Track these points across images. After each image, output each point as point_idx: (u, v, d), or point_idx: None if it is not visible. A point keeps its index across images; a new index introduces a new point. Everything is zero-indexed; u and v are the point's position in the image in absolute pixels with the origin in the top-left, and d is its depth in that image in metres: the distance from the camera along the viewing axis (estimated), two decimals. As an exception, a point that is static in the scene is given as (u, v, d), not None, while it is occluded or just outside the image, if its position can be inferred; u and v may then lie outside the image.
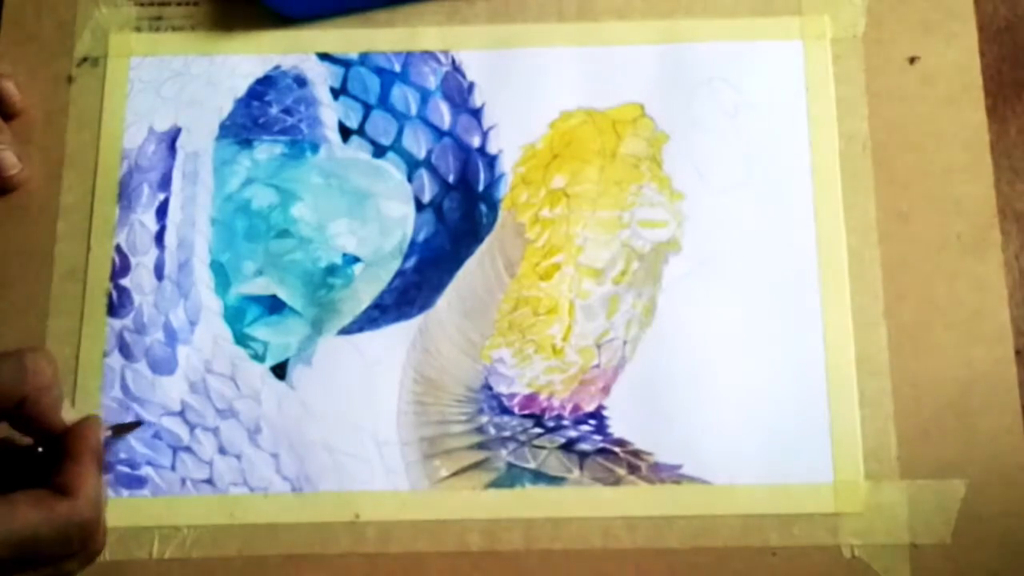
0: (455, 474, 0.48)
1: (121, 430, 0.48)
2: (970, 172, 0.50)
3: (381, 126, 0.52)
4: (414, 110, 0.52)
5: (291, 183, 0.51)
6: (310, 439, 0.48)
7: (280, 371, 0.49)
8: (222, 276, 0.50)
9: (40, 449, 0.43)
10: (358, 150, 0.52)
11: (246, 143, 0.52)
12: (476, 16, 0.53)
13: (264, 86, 0.52)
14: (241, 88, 0.52)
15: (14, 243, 0.51)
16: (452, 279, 0.50)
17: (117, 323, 0.50)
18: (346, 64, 0.53)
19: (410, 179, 0.51)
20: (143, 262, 0.50)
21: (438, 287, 0.50)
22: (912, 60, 0.51)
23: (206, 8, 0.53)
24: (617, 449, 0.48)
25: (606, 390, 0.48)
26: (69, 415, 0.42)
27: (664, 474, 0.47)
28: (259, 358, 0.49)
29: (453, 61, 0.52)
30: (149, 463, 0.48)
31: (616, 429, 0.48)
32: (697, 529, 0.47)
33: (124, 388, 0.49)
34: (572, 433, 0.48)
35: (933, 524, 0.46)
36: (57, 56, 0.53)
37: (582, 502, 0.47)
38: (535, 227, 0.50)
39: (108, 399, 0.49)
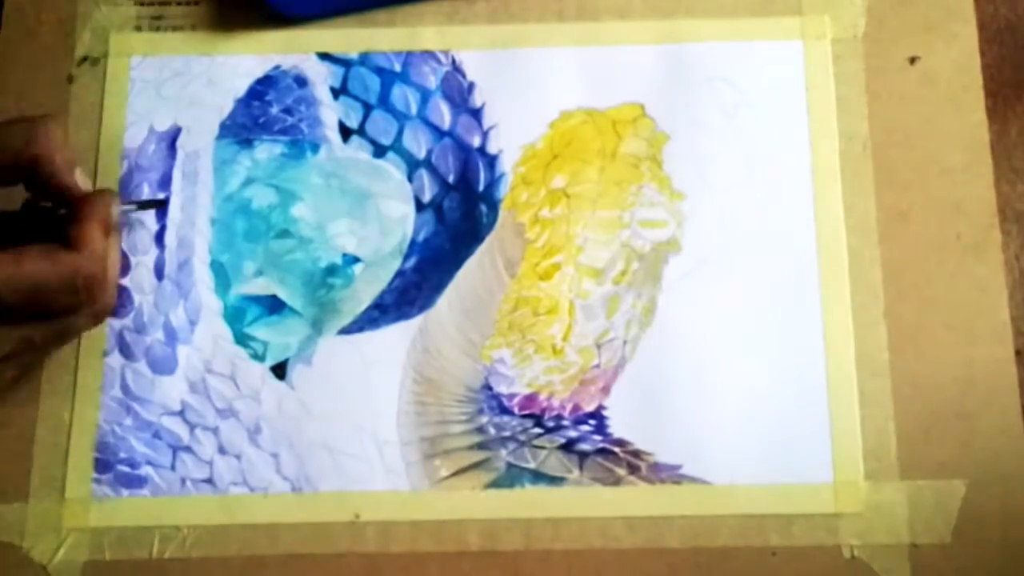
0: (455, 474, 0.48)
1: (146, 205, 0.50)
2: (970, 172, 0.50)
3: (381, 126, 0.52)
4: (414, 110, 0.52)
5: (291, 183, 0.51)
6: (310, 439, 0.48)
7: (280, 371, 0.49)
8: (222, 276, 0.50)
9: (62, 211, 0.45)
10: (358, 150, 0.52)
11: (246, 143, 0.52)
12: (476, 16, 0.53)
13: (264, 86, 0.52)
14: (241, 88, 0.52)
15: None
16: (452, 279, 0.50)
17: (117, 323, 0.50)
18: (346, 64, 0.53)
19: (410, 179, 0.51)
20: (143, 262, 0.50)
21: (438, 287, 0.50)
22: (912, 60, 0.51)
23: (206, 8, 0.53)
24: (617, 449, 0.48)
25: (606, 390, 0.48)
26: (85, 183, 0.45)
27: (664, 474, 0.47)
28: (259, 358, 0.49)
29: (453, 61, 0.52)
30: (149, 463, 0.48)
31: (616, 429, 0.48)
32: (697, 529, 0.47)
33: (124, 388, 0.49)
34: (572, 433, 0.48)
35: (933, 524, 0.46)
36: (57, 56, 0.53)
37: (582, 502, 0.47)
38: (535, 227, 0.50)
39: (108, 399, 0.49)
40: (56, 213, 0.45)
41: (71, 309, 0.43)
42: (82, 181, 0.45)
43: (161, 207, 0.50)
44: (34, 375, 0.49)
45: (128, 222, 0.50)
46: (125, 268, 0.50)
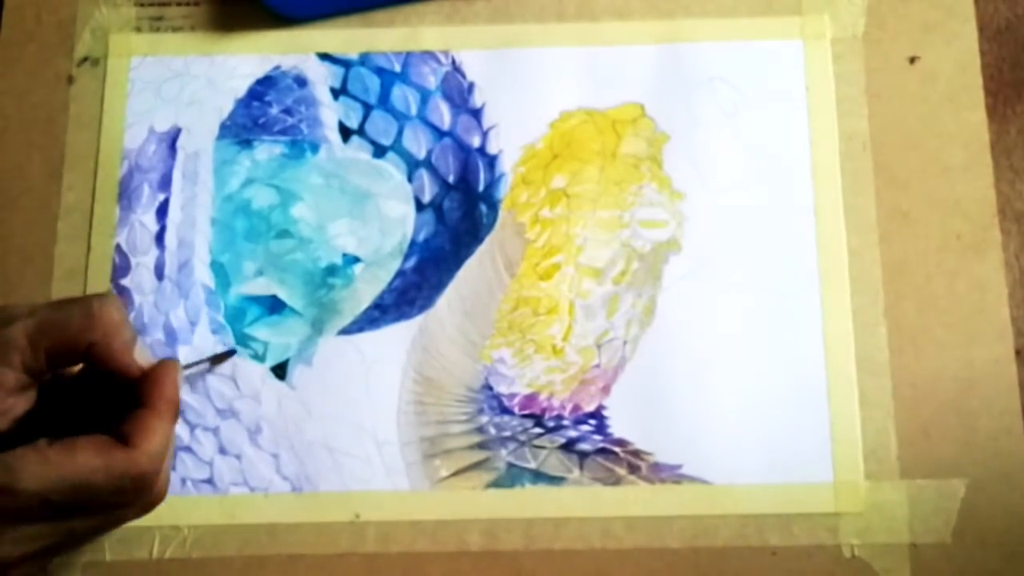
0: (455, 474, 0.48)
1: (217, 360, 0.49)
2: (970, 172, 0.50)
3: (381, 126, 0.52)
4: (414, 110, 0.52)
5: (291, 183, 0.51)
6: (310, 439, 0.48)
7: (280, 371, 0.49)
8: (222, 276, 0.50)
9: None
10: (358, 150, 0.52)
11: (246, 143, 0.52)
12: (476, 16, 0.53)
13: (264, 86, 0.52)
14: (241, 88, 0.52)
15: (14, 243, 0.51)
16: (452, 279, 0.50)
17: (117, 323, 0.50)
18: (346, 64, 0.53)
19: (410, 179, 0.51)
20: (143, 262, 0.50)
21: (438, 287, 0.50)
22: (912, 60, 0.51)
23: (206, 8, 0.53)
24: (617, 449, 0.48)
25: (606, 390, 0.48)
26: (144, 358, 0.42)
27: (664, 474, 0.47)
28: (259, 358, 0.49)
29: (453, 61, 0.52)
30: (149, 463, 0.48)
31: (616, 429, 0.48)
32: (697, 529, 0.47)
33: (124, 388, 0.49)
34: (572, 433, 0.48)
35: (933, 524, 0.46)
36: (57, 56, 0.53)
37: (582, 502, 0.47)
38: (535, 227, 0.50)
39: (108, 399, 0.49)
40: (111, 384, 0.42)
41: (116, 506, 0.40)
42: (142, 358, 0.41)
43: (232, 356, 0.49)
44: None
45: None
46: (124, 272, 0.50)
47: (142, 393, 0.41)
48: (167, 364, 0.42)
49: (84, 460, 0.38)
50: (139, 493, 0.40)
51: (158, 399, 0.41)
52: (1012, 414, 0.47)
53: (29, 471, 0.37)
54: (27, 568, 0.40)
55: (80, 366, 0.43)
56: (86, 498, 0.39)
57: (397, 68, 0.52)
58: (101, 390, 0.42)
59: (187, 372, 0.47)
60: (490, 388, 0.49)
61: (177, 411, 0.42)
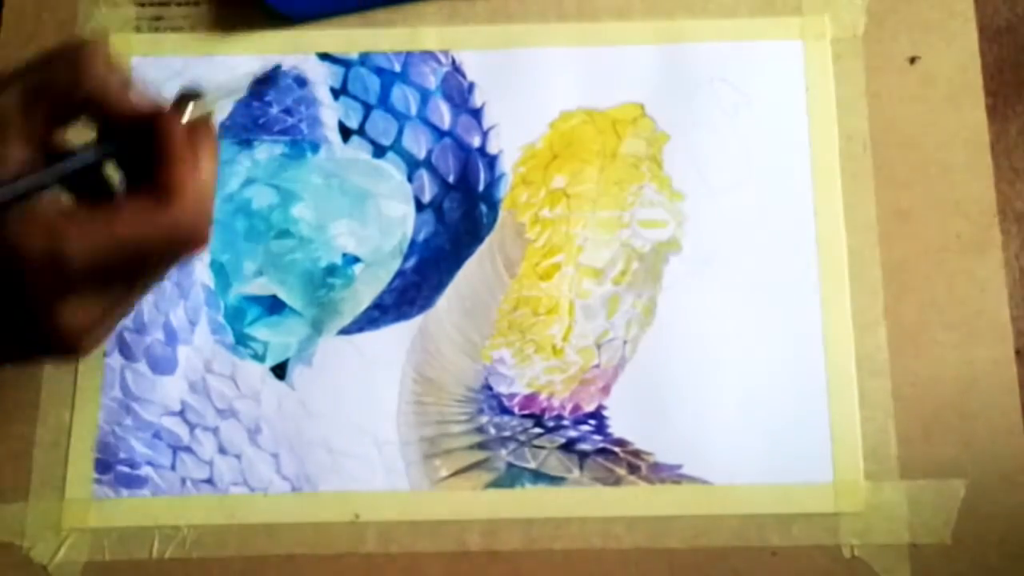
0: (455, 474, 0.48)
1: (261, 83, 0.43)
2: (970, 172, 0.50)
3: (381, 126, 0.52)
4: (414, 110, 0.52)
5: (291, 183, 0.51)
6: (310, 439, 0.48)
7: (280, 371, 0.49)
8: (222, 276, 0.50)
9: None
10: (358, 150, 0.52)
11: (246, 143, 0.52)
12: (476, 16, 0.53)
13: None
14: (241, 88, 0.52)
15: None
16: (452, 279, 0.50)
17: (117, 323, 0.50)
18: (346, 64, 0.53)
19: (410, 179, 0.51)
20: (143, 262, 0.50)
21: (438, 287, 0.50)
22: (912, 60, 0.51)
23: (206, 8, 0.53)
24: (617, 449, 0.48)
25: (606, 390, 0.48)
26: (145, 99, 0.38)
27: (664, 474, 0.47)
28: (259, 358, 0.49)
29: (453, 61, 0.52)
30: (149, 463, 0.48)
31: (616, 429, 0.48)
32: (697, 529, 0.47)
33: (124, 388, 0.49)
34: (572, 433, 0.48)
35: (933, 524, 0.46)
36: (57, 56, 0.53)
37: (582, 502, 0.47)
38: (535, 227, 0.50)
39: (108, 399, 0.49)
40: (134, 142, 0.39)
41: (171, 261, 0.38)
42: (145, 101, 0.38)
43: (267, 82, 0.43)
44: (35, 376, 0.49)
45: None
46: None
47: (157, 148, 0.38)
48: (183, 94, 0.39)
49: (131, 224, 0.36)
50: (192, 244, 0.38)
51: (172, 149, 0.38)
52: (1012, 414, 0.47)
53: (80, 242, 0.36)
54: (97, 332, 0.39)
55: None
56: (140, 261, 0.37)
57: (397, 68, 0.52)
58: (123, 146, 0.39)
59: (222, 92, 0.41)
60: (490, 388, 0.49)
61: (197, 147, 0.38)
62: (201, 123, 0.39)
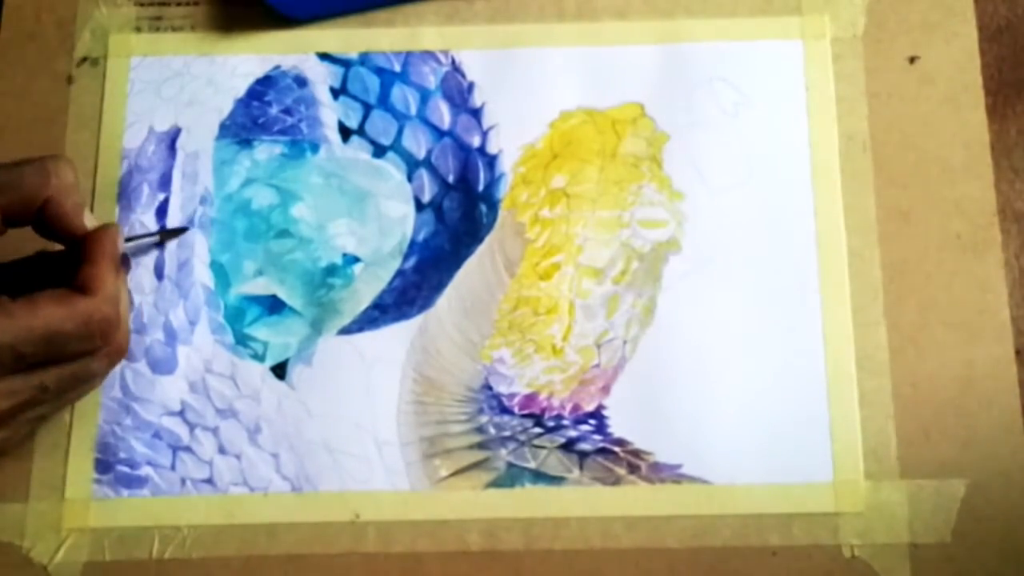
0: (455, 474, 0.48)
1: (168, 235, 0.50)
2: (970, 172, 0.50)
3: (381, 126, 0.52)
4: (414, 110, 0.52)
5: (291, 183, 0.51)
6: (310, 439, 0.48)
7: (280, 371, 0.49)
8: (222, 276, 0.50)
9: (61, 250, 0.45)
10: (358, 150, 0.52)
11: (246, 143, 0.52)
12: (476, 16, 0.53)
13: (264, 86, 0.52)
14: (241, 88, 0.52)
15: (14, 243, 0.50)
16: (452, 279, 0.50)
17: (117, 323, 0.50)
18: (346, 64, 0.53)
19: (410, 179, 0.51)
20: (143, 262, 0.50)
21: (438, 287, 0.50)
22: (912, 60, 0.51)
23: (206, 8, 0.53)
24: (617, 449, 0.48)
25: (606, 390, 0.48)
26: (91, 222, 0.45)
27: (664, 474, 0.47)
28: (259, 358, 0.49)
29: (453, 61, 0.52)
30: (149, 463, 0.48)
31: (616, 429, 0.48)
32: (697, 529, 0.47)
33: (124, 388, 0.49)
34: (572, 433, 0.48)
35: (933, 524, 0.46)
36: (57, 56, 0.53)
37: (582, 502, 0.47)
38: (535, 227, 0.50)
39: (108, 399, 0.49)
40: (60, 255, 0.45)
41: (87, 353, 0.43)
42: (90, 222, 0.45)
43: (184, 233, 0.50)
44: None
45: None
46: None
47: (86, 251, 0.43)
48: (109, 225, 0.45)
49: (48, 310, 0.41)
50: (105, 337, 0.42)
51: (103, 254, 0.43)
52: (1012, 414, 0.47)
53: None
54: (4, 432, 0.43)
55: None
56: (55, 347, 0.41)
57: (397, 68, 0.52)
58: (49, 265, 0.45)
59: (137, 242, 0.49)
60: (490, 388, 0.49)
61: (119, 266, 0.44)
62: (119, 251, 0.45)
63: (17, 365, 0.41)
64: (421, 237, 0.50)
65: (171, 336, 0.50)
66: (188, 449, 0.48)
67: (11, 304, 0.41)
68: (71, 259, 0.44)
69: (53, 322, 0.41)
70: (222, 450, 0.48)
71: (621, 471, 0.48)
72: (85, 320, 0.41)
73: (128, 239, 0.48)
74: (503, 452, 0.48)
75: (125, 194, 0.51)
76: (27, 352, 0.41)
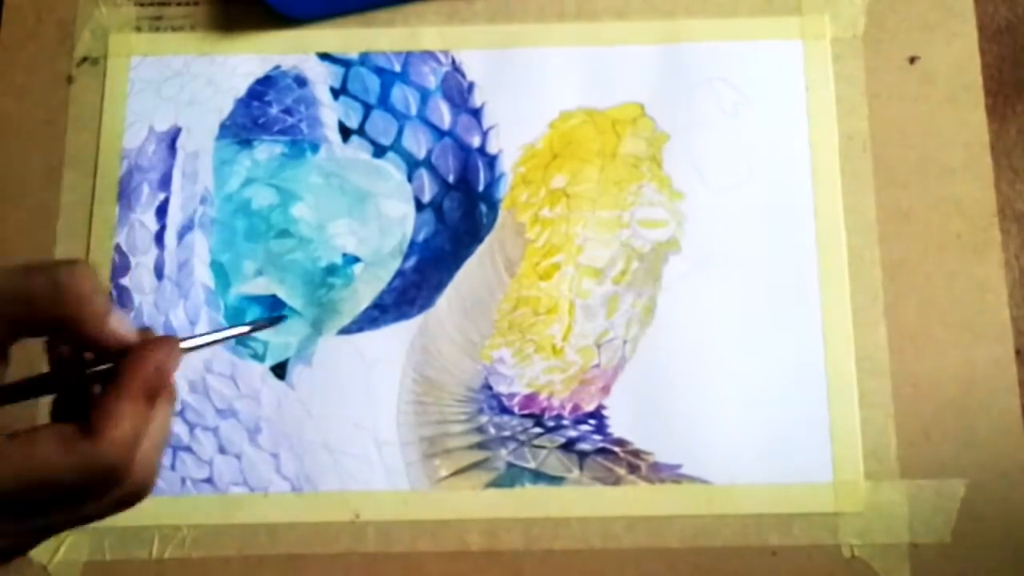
0: (455, 474, 0.48)
1: (260, 326, 0.41)
2: (970, 172, 0.50)
3: (381, 126, 0.52)
4: (414, 110, 0.52)
5: (291, 183, 0.51)
6: (310, 439, 0.48)
7: (280, 371, 0.49)
8: (222, 276, 0.50)
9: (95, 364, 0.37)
10: (358, 150, 0.52)
11: (246, 143, 0.52)
12: (476, 16, 0.53)
13: (264, 86, 0.52)
14: (241, 88, 0.52)
15: (14, 243, 0.51)
16: (452, 279, 0.50)
17: (117, 323, 0.49)
18: (346, 64, 0.53)
19: (410, 179, 0.51)
20: (143, 262, 0.50)
21: (438, 287, 0.50)
22: (912, 60, 0.51)
23: (206, 8, 0.53)
24: (617, 449, 0.48)
25: (606, 390, 0.48)
26: (122, 327, 0.36)
27: (664, 474, 0.47)
28: (259, 358, 0.49)
29: (453, 61, 0.52)
30: (149, 463, 0.48)
31: (616, 429, 0.48)
32: (697, 529, 0.47)
33: (124, 388, 0.49)
34: (572, 433, 0.48)
35: (933, 524, 0.46)
36: (57, 56, 0.53)
37: (582, 502, 0.47)
38: (535, 227, 0.50)
39: (108, 399, 0.49)
40: (93, 365, 0.37)
41: (88, 501, 0.36)
42: (120, 327, 0.36)
43: (280, 321, 0.46)
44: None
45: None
46: (124, 272, 0.50)
47: (117, 375, 0.36)
48: (154, 340, 0.36)
49: (44, 454, 0.34)
50: (108, 486, 0.35)
51: (130, 379, 0.35)
52: (1012, 414, 0.47)
53: None
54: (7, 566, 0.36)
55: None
56: (48, 495, 0.35)
57: (397, 68, 0.52)
58: (82, 370, 0.37)
59: (215, 336, 0.39)
60: (490, 388, 0.49)
61: (157, 392, 0.36)
62: (166, 370, 0.36)
63: (5, 512, 0.34)
64: (421, 237, 0.50)
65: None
66: (188, 449, 0.48)
67: (5, 445, 0.34)
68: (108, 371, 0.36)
69: (49, 470, 0.34)
70: (222, 450, 0.48)
71: (621, 471, 0.48)
72: (85, 468, 0.34)
73: (208, 334, 0.38)
74: (503, 452, 0.48)
75: (125, 194, 0.51)
76: (17, 500, 0.34)
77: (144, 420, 0.35)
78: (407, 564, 0.47)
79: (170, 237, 0.51)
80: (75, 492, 0.35)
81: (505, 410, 0.48)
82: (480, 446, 0.48)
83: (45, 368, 0.37)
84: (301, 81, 0.52)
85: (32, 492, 0.34)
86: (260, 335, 0.49)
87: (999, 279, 0.49)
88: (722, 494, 0.47)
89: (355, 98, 0.52)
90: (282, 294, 0.50)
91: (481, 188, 0.51)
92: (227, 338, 0.39)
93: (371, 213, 0.51)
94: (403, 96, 0.52)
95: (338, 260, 0.50)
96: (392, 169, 0.51)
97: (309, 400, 0.49)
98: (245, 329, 0.40)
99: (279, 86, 0.52)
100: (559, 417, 0.48)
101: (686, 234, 0.50)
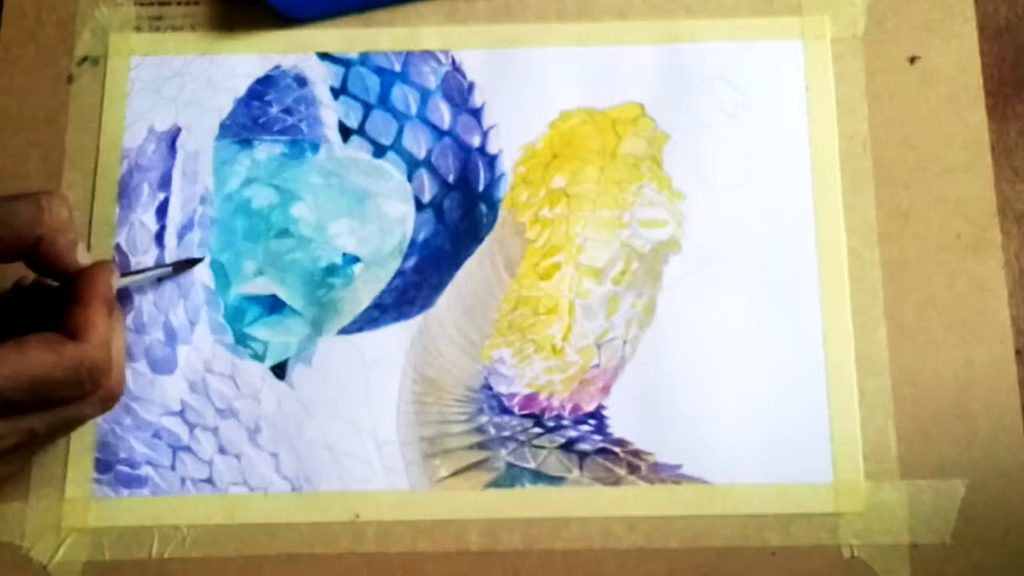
0: (455, 474, 0.48)
1: (183, 266, 0.49)
2: (970, 172, 0.50)
3: (381, 126, 0.52)
4: (414, 110, 0.52)
5: (291, 183, 0.51)
6: (310, 439, 0.48)
7: (280, 371, 0.49)
8: (222, 276, 0.50)
9: (55, 285, 0.44)
10: (358, 150, 0.52)
11: (246, 143, 0.52)
12: (476, 16, 0.53)
13: (264, 86, 0.52)
14: (241, 88, 0.52)
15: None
16: (452, 279, 0.50)
17: (117, 323, 0.50)
18: (346, 64, 0.53)
19: (410, 179, 0.51)
20: (143, 262, 0.50)
21: (438, 287, 0.50)
22: (912, 60, 0.51)
23: (206, 8, 0.53)
24: (617, 449, 0.48)
25: (606, 390, 0.48)
26: (85, 258, 0.43)
27: (664, 474, 0.47)
28: (259, 358, 0.49)
29: (453, 61, 0.52)
30: (149, 463, 0.48)
31: (616, 429, 0.48)
32: (697, 529, 0.47)
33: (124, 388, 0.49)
34: (572, 433, 0.48)
35: (933, 524, 0.46)
36: (57, 56, 0.53)
37: (582, 502, 0.47)
38: (535, 227, 0.50)
39: (108, 399, 0.49)
40: (50, 289, 0.44)
41: (77, 399, 0.41)
42: (84, 259, 0.43)
43: (182, 270, 0.49)
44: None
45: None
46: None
47: (77, 291, 0.42)
48: (101, 263, 0.43)
49: (36, 355, 0.39)
50: (95, 383, 0.41)
51: (94, 295, 0.41)
52: (1012, 414, 0.47)
53: None
54: (4, 469, 0.42)
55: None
56: (43, 393, 0.40)
57: (397, 68, 0.52)
58: (39, 297, 0.44)
59: (149, 273, 0.48)
60: (490, 388, 0.49)
61: (112, 307, 0.42)
62: (116, 296, 0.43)
63: (4, 411, 0.39)
64: (421, 237, 0.50)
65: (171, 336, 0.50)
66: (188, 449, 0.48)
67: None
68: (63, 295, 0.42)
69: (41, 369, 0.39)
70: (222, 450, 0.48)
71: (621, 471, 0.48)
72: (74, 367, 0.40)
73: (138, 271, 0.48)
74: (503, 452, 0.48)
75: (125, 194, 0.51)
76: (14, 399, 0.39)
77: (110, 327, 0.42)
78: (407, 564, 0.47)
79: (170, 237, 0.51)
80: (66, 390, 0.40)
81: (505, 410, 0.48)
82: (480, 446, 0.48)
83: None
84: (301, 81, 0.52)
85: (27, 392, 0.39)
86: (259, 335, 0.49)
87: (999, 279, 0.49)
88: (722, 494, 0.47)
89: (355, 98, 0.52)
90: (282, 294, 0.50)
91: (481, 188, 0.51)
92: (149, 277, 0.48)
93: (371, 213, 0.51)
94: (403, 96, 0.52)
95: (338, 260, 0.50)
96: (392, 169, 0.51)
97: (309, 400, 0.49)
98: (168, 270, 0.48)
99: (279, 86, 0.52)
100: (559, 417, 0.48)
101: (686, 234, 0.50)
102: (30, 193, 0.42)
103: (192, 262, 0.49)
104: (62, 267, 0.43)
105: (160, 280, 0.49)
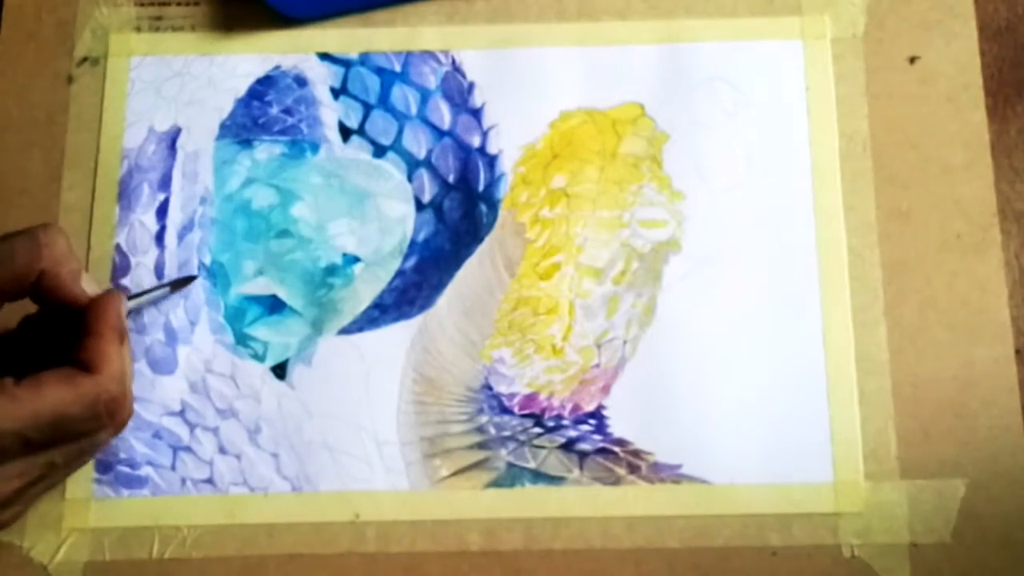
0: (455, 474, 0.48)
1: (178, 285, 0.49)
2: (970, 172, 0.50)
3: (381, 126, 0.52)
4: (414, 110, 0.52)
5: (291, 183, 0.51)
6: (310, 439, 0.48)
7: (280, 371, 0.49)
8: (222, 276, 0.50)
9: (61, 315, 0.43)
10: (358, 150, 0.52)
11: (246, 143, 0.52)
12: (476, 16, 0.53)
13: (264, 86, 0.52)
14: (241, 88, 0.52)
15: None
16: (452, 279, 0.50)
17: (117, 323, 0.50)
18: (346, 64, 0.53)
19: (410, 179, 0.51)
20: (143, 262, 0.50)
21: (438, 287, 0.50)
22: (912, 60, 0.51)
23: (206, 8, 0.53)
24: (617, 449, 0.48)
25: (606, 390, 0.48)
26: (91, 288, 0.43)
27: (664, 474, 0.47)
28: (259, 358, 0.49)
29: (453, 61, 0.52)
30: (149, 463, 0.48)
31: (616, 429, 0.48)
32: (697, 529, 0.47)
33: (124, 388, 0.49)
34: (572, 433, 0.48)
35: (933, 524, 0.46)
36: (57, 56, 0.53)
37: (582, 502, 0.47)
38: (535, 227, 0.50)
39: (108, 399, 0.49)
40: (57, 320, 0.43)
41: (94, 431, 0.42)
42: (89, 287, 0.43)
43: (178, 289, 0.49)
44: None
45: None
46: (124, 272, 0.50)
47: (89, 323, 0.42)
48: (111, 293, 0.43)
49: (53, 394, 0.39)
50: (111, 415, 0.41)
51: (106, 326, 0.42)
52: (1012, 414, 0.47)
53: (2, 413, 0.38)
54: (15, 507, 0.42)
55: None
56: (62, 429, 0.40)
57: (397, 68, 0.52)
58: (47, 329, 0.43)
59: (147, 296, 0.48)
60: (490, 388, 0.49)
61: (123, 337, 0.42)
62: (124, 321, 0.43)
63: (25, 450, 0.40)
64: (421, 237, 0.50)
65: (171, 336, 0.50)
66: (188, 449, 0.48)
67: (16, 388, 0.39)
68: (72, 325, 0.42)
69: (60, 406, 0.39)
70: (222, 450, 0.48)
71: (621, 471, 0.48)
72: (91, 401, 0.40)
73: (139, 294, 0.48)
74: (503, 452, 0.48)
75: (125, 194, 0.51)
76: (35, 439, 0.39)
77: (122, 357, 0.42)
78: (407, 564, 0.47)
79: (170, 237, 0.51)
80: (85, 424, 0.40)
81: (505, 410, 0.48)
82: (480, 446, 0.48)
83: None
84: (301, 81, 0.52)
85: (47, 430, 0.39)
86: (259, 335, 0.49)
87: (999, 279, 0.49)
88: (722, 494, 0.47)
89: (355, 98, 0.52)
90: (282, 294, 0.50)
91: (481, 188, 0.51)
92: (151, 300, 0.48)
93: (371, 213, 0.51)
94: (403, 96, 0.52)
95: (338, 260, 0.50)
96: (392, 169, 0.51)
97: (309, 400, 0.49)
98: (166, 290, 0.49)
99: (279, 86, 0.52)
100: (559, 417, 0.48)
101: (686, 234, 0.50)
102: (26, 229, 0.42)
103: (187, 280, 0.49)
104: (68, 299, 0.42)
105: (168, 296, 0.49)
